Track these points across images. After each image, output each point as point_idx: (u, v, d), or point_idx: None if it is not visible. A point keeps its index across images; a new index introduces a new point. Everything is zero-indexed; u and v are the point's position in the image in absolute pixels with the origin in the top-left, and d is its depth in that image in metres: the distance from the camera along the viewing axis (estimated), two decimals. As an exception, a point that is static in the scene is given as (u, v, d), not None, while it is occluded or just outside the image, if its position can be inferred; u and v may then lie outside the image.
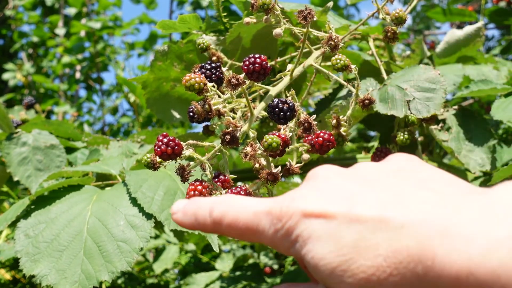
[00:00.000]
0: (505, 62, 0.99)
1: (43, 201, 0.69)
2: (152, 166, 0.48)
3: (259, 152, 0.48)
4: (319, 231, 0.29)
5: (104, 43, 3.17)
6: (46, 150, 0.90)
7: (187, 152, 0.48)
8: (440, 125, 0.78)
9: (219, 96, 0.51)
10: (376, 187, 0.29)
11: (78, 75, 3.36)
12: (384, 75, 0.72)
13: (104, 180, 0.77)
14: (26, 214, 0.67)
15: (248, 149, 0.47)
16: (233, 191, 0.47)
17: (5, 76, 3.12)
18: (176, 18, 0.79)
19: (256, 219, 0.32)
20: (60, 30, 3.30)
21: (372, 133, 1.60)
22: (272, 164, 0.50)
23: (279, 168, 0.49)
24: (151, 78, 0.81)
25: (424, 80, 0.66)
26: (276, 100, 0.49)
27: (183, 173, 0.48)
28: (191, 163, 0.49)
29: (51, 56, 3.38)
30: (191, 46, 0.79)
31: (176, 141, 0.47)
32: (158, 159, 0.48)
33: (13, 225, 0.68)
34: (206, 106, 0.49)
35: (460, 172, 0.89)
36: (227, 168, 0.51)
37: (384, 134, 0.87)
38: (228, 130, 0.47)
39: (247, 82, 0.49)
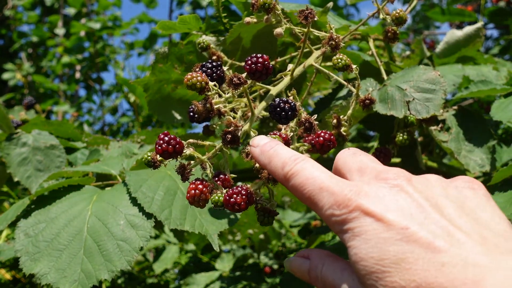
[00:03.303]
0: (505, 63, 0.99)
1: (43, 201, 0.69)
2: (153, 165, 0.49)
3: None
4: (371, 234, 0.30)
5: (104, 43, 3.17)
6: (46, 151, 0.90)
7: (188, 151, 0.48)
8: (439, 125, 0.78)
9: (220, 96, 0.51)
10: (437, 215, 0.31)
11: (78, 75, 3.36)
12: (384, 76, 0.72)
13: (104, 180, 0.77)
14: (26, 213, 0.67)
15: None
16: (234, 190, 0.47)
17: (5, 76, 3.12)
18: (175, 17, 0.79)
19: (320, 195, 0.34)
20: (60, 30, 3.30)
21: (372, 133, 1.60)
22: None
23: None
24: (152, 80, 0.81)
25: (424, 80, 0.66)
26: (277, 99, 0.49)
27: (183, 172, 0.48)
28: (192, 162, 0.49)
29: (50, 56, 3.38)
30: (191, 47, 0.79)
31: (177, 139, 0.47)
32: (158, 157, 0.48)
33: (13, 225, 0.68)
34: (208, 105, 0.49)
35: (460, 172, 0.89)
36: (227, 167, 0.51)
37: (384, 134, 0.87)
38: (229, 129, 0.47)
39: (249, 81, 0.49)
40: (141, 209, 0.64)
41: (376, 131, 0.98)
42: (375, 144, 1.10)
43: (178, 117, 0.85)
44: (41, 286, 0.59)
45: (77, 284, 0.58)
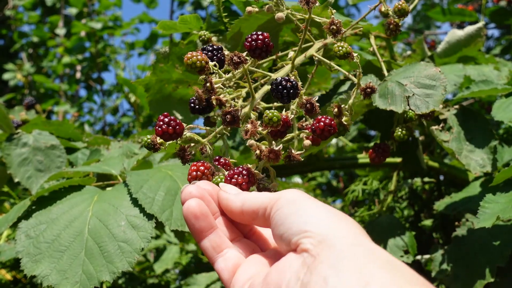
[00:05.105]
0: (506, 63, 0.99)
1: (44, 201, 0.68)
2: (153, 147, 0.48)
3: (260, 129, 0.47)
4: None
5: (104, 43, 3.17)
6: (46, 151, 0.90)
7: (188, 133, 0.48)
8: (441, 125, 0.78)
9: (220, 77, 0.50)
10: None
11: (78, 75, 3.36)
12: (385, 72, 0.72)
13: (105, 180, 0.77)
14: (27, 214, 0.66)
15: (249, 126, 0.46)
16: (235, 170, 0.46)
17: (5, 76, 3.12)
18: (176, 18, 0.79)
19: None
20: (61, 30, 3.29)
21: (373, 133, 1.60)
22: (274, 142, 0.49)
23: (281, 146, 0.48)
24: (153, 80, 0.80)
25: (424, 76, 0.65)
26: (279, 78, 0.48)
27: (183, 155, 0.48)
28: (192, 145, 0.49)
29: (51, 56, 3.38)
30: (192, 47, 0.79)
31: (177, 121, 0.46)
32: (158, 139, 0.48)
33: (14, 226, 0.68)
34: (208, 85, 0.48)
35: (461, 172, 0.89)
36: (227, 152, 0.51)
37: (385, 133, 0.87)
38: (229, 109, 0.47)
39: (249, 60, 0.49)
40: (142, 210, 0.64)
41: (377, 130, 0.98)
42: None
43: (179, 116, 0.85)
44: (42, 287, 0.59)
45: (78, 286, 0.57)
